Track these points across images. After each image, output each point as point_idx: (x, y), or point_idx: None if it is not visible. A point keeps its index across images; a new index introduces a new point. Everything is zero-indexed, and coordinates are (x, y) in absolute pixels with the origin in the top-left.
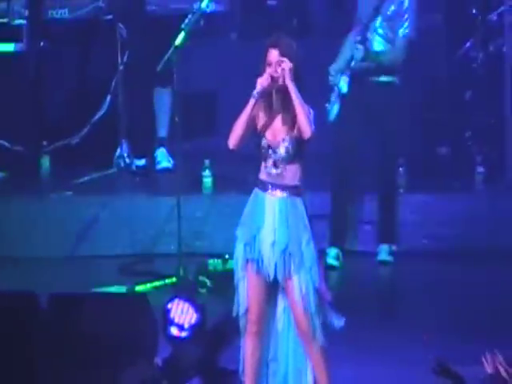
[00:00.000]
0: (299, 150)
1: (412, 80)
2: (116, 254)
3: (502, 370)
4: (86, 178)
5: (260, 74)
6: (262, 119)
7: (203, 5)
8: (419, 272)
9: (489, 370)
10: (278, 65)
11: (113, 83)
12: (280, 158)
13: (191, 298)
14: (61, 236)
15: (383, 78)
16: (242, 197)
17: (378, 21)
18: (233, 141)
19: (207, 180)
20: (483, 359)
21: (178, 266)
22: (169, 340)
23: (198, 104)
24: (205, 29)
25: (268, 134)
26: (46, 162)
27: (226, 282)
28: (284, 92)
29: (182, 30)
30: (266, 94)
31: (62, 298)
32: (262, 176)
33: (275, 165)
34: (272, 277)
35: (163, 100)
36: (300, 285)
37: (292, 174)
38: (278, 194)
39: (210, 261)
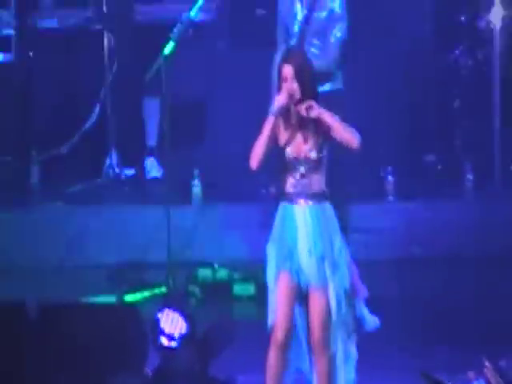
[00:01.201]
0: (323, 156)
1: (400, 86)
2: (105, 264)
3: (493, 381)
4: (75, 188)
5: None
6: (283, 134)
7: (191, 14)
8: (407, 279)
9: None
10: (293, 82)
11: (101, 92)
12: (308, 169)
13: (181, 308)
14: (50, 246)
15: (324, 88)
16: (232, 206)
17: (308, 32)
18: (255, 161)
19: (196, 189)
20: (470, 373)
21: (168, 276)
22: (159, 350)
23: (187, 113)
24: (193, 38)
25: (292, 148)
26: (35, 172)
27: (215, 292)
28: (299, 106)
29: (171, 39)
30: (284, 110)
31: (51, 307)
32: (289, 189)
33: (303, 176)
34: (310, 286)
35: (152, 109)
36: (334, 291)
37: (318, 181)
38: (308, 202)
39: (200, 270)
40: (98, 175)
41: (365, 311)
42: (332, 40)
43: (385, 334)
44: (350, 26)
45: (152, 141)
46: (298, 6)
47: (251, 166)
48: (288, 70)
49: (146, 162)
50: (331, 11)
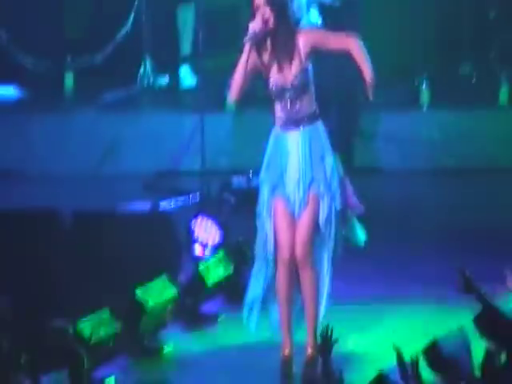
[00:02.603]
0: (308, 79)
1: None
2: (140, 172)
3: None
4: (110, 95)
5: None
6: (265, 65)
7: None
8: (442, 190)
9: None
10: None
11: (136, 1)
12: (294, 95)
13: (215, 216)
14: (85, 154)
15: None
16: (265, 114)
17: None
18: (234, 92)
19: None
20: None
21: (202, 184)
22: (192, 258)
23: (221, 19)
24: None
25: (277, 75)
26: (69, 78)
27: (250, 199)
28: (277, 32)
29: None
30: (259, 37)
31: (85, 215)
32: (280, 114)
33: (291, 103)
34: (298, 213)
35: (186, 16)
36: (324, 210)
37: (307, 103)
38: (299, 128)
39: (234, 178)
40: (133, 83)
41: (356, 228)
42: None
43: (416, 240)
44: None
45: (186, 48)
46: None
47: (231, 98)
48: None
49: (180, 69)
50: None
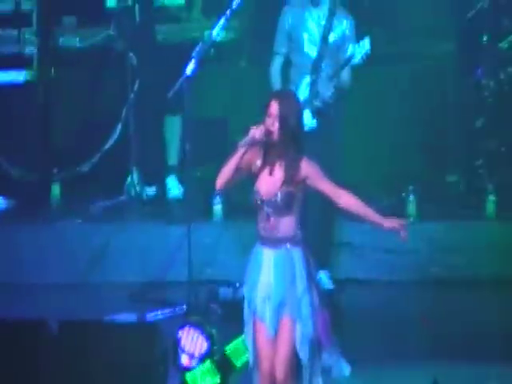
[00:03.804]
0: (292, 203)
1: (423, 107)
2: (126, 282)
3: None
4: (96, 206)
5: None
6: (256, 170)
7: (213, 33)
8: (429, 300)
9: None
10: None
11: (123, 111)
12: (274, 212)
13: (202, 326)
14: (71, 263)
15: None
16: (253, 224)
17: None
18: (220, 183)
19: (217, 207)
20: None
21: (189, 294)
22: (179, 368)
23: (209, 131)
24: (215, 56)
25: (262, 187)
26: (56, 189)
27: (236, 310)
28: (278, 147)
29: (193, 58)
30: (255, 144)
31: (72, 325)
32: (259, 228)
33: (269, 218)
34: (271, 331)
35: (174, 128)
36: (299, 338)
37: (286, 226)
38: (273, 248)
39: (221, 289)
40: (120, 193)
41: (334, 359)
42: (342, 60)
43: (406, 354)
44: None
45: (173, 159)
46: (312, 24)
47: (216, 187)
48: (274, 108)
49: (167, 180)
50: (343, 33)
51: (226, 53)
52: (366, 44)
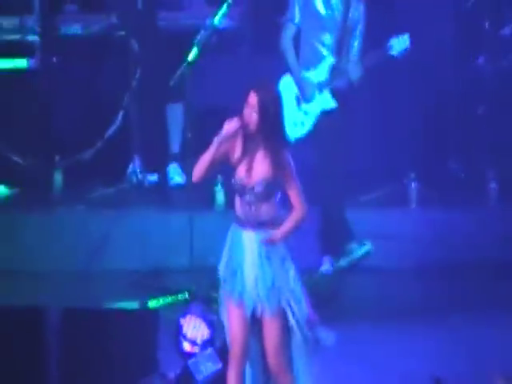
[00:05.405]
0: (273, 192)
1: (424, 94)
2: (128, 269)
3: None
4: (98, 193)
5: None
6: (237, 157)
7: (215, 21)
8: (432, 286)
9: None
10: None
11: (125, 99)
12: (255, 199)
13: (203, 314)
14: (73, 251)
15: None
16: None
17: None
18: (196, 174)
19: (219, 195)
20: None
21: (191, 282)
22: (181, 355)
23: (211, 119)
24: (217, 44)
25: (243, 174)
26: (58, 176)
27: None
28: (258, 137)
29: (195, 45)
30: (241, 135)
31: (74, 312)
32: (238, 211)
33: (250, 205)
34: (259, 311)
35: (176, 115)
36: (295, 319)
37: (266, 210)
38: (256, 229)
39: None
40: (122, 181)
41: (321, 331)
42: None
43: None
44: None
45: (175, 147)
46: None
47: (193, 178)
48: (253, 99)
49: (169, 168)
50: (359, 16)
51: (228, 40)
52: (406, 40)
